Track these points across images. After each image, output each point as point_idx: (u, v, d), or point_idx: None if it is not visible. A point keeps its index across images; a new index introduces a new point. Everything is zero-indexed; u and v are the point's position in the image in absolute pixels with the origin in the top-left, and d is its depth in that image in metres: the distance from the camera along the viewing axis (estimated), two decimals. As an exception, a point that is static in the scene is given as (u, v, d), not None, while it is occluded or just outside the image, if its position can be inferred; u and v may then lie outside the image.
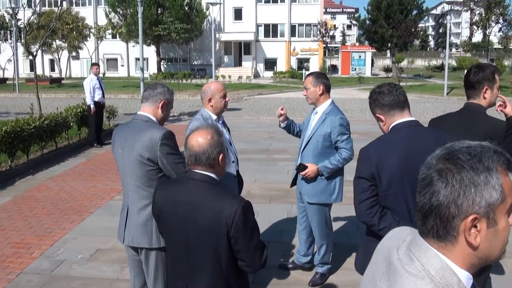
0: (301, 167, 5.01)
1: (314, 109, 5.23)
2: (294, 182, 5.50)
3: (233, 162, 4.80)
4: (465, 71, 4.04)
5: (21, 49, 38.93)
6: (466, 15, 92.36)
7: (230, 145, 4.67)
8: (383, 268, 1.52)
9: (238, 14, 58.93)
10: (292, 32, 59.63)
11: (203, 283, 2.69)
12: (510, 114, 3.68)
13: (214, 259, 2.64)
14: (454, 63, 65.60)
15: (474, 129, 3.53)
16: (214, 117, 4.56)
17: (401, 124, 3.10)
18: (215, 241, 2.61)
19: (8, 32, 40.64)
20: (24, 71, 55.65)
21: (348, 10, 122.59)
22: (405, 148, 2.97)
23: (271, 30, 59.66)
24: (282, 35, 59.71)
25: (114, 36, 55.50)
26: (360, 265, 3.23)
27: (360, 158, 3.13)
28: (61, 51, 54.86)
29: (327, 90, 5.09)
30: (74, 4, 55.42)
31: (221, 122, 4.65)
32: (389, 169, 2.96)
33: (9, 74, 47.29)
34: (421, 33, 78.49)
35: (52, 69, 60.04)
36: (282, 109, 5.45)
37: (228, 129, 4.87)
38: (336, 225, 6.68)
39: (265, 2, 58.86)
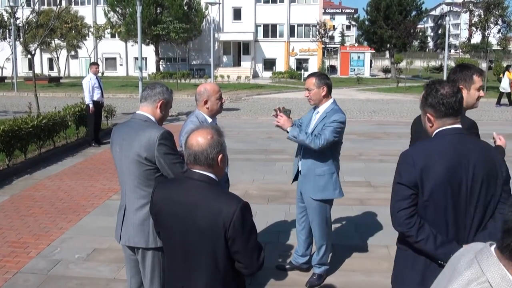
0: (287, 113, 5.02)
1: (315, 108, 5.20)
2: (295, 178, 5.47)
3: None
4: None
5: (19, 47, 38.86)
6: (465, 16, 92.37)
7: None
8: (448, 274, 1.54)
9: (237, 14, 58.91)
10: (291, 33, 59.65)
11: (200, 283, 2.68)
12: (502, 146, 3.73)
13: (211, 259, 2.63)
14: (453, 64, 65.52)
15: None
16: (209, 119, 4.50)
17: (449, 130, 2.91)
18: (213, 242, 2.60)
19: (7, 30, 40.50)
20: (23, 70, 55.62)
21: (347, 10, 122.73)
22: (453, 159, 2.81)
23: (270, 30, 59.68)
24: (281, 35, 59.72)
25: (113, 36, 55.45)
26: (399, 278, 3.11)
27: (402, 162, 2.94)
28: (59, 50, 54.76)
29: (329, 91, 5.08)
30: (73, 3, 55.45)
31: (215, 123, 4.60)
32: (434, 178, 2.79)
33: (7, 72, 47.16)
34: (420, 34, 78.51)
35: (51, 68, 59.97)
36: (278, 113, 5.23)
37: None
38: (334, 226, 6.67)
39: (264, 2, 58.87)
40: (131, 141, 3.65)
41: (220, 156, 2.68)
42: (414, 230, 2.81)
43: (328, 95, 5.07)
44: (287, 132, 4.97)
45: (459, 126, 2.93)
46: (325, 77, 5.12)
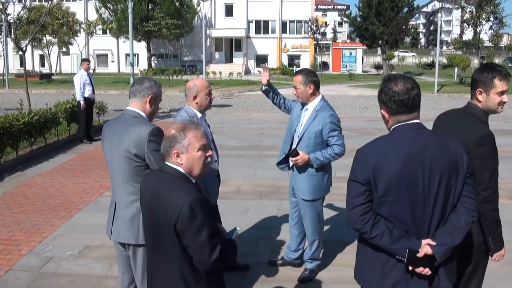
0: (294, 153, 5.01)
1: (304, 105, 5.22)
2: (280, 163, 5.45)
3: (215, 161, 4.79)
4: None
5: (11, 44, 38.60)
6: (457, 13, 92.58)
7: (211, 143, 4.62)
8: None
9: (229, 10, 58.78)
10: (283, 29, 59.61)
11: (166, 273, 2.77)
12: None
13: (174, 249, 2.72)
14: (444, 60, 65.83)
15: (460, 135, 3.33)
16: (199, 114, 4.52)
17: (404, 126, 2.88)
18: (170, 233, 2.67)
19: (-2, 27, 40.32)
20: (14, 66, 55.23)
21: (339, 7, 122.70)
22: (406, 154, 2.78)
23: (262, 27, 59.61)
24: (273, 31, 59.67)
25: (104, 32, 55.21)
26: (360, 273, 3.13)
27: (355, 160, 2.93)
28: (51, 46, 54.47)
29: (317, 88, 5.09)
30: (64, -1, 55.13)
31: (204, 119, 4.61)
32: (388, 175, 2.77)
33: (-2, 69, 46.91)
34: (412, 30, 78.57)
35: (42, 65, 59.61)
36: (265, 68, 5.61)
37: (209, 126, 4.84)
38: (326, 222, 6.68)
39: (256, -2, 58.79)
40: (121, 137, 3.65)
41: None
42: (368, 226, 2.80)
43: (315, 92, 5.09)
44: (311, 166, 5.04)
45: (416, 121, 2.89)
46: (312, 74, 5.13)
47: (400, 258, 2.81)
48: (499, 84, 3.50)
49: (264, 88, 5.68)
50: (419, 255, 2.76)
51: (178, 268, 2.73)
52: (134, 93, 3.81)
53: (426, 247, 2.78)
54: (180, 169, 2.78)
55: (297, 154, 4.98)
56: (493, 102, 3.54)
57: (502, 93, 3.52)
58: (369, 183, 2.81)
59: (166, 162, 2.81)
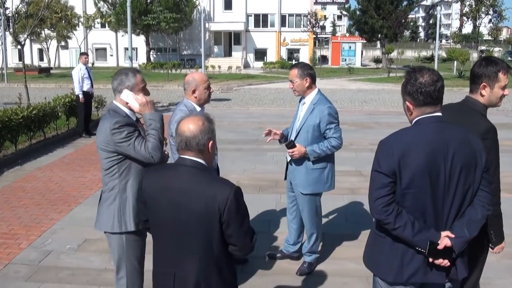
0: (291, 144, 5.01)
1: (301, 99, 5.23)
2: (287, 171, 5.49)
3: (215, 155, 4.79)
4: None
5: (9, 38, 38.53)
6: (456, 6, 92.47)
7: None
8: None
9: (228, 3, 58.67)
10: (282, 22, 59.55)
11: (193, 268, 2.71)
12: None
13: (205, 244, 2.68)
14: (444, 54, 65.85)
15: None
16: (198, 108, 4.51)
17: (427, 119, 2.89)
18: (207, 226, 2.65)
19: (-4, 21, 40.26)
20: (13, 60, 55.16)
21: (339, 0, 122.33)
22: (430, 146, 2.80)
23: (261, 20, 59.54)
24: (272, 25, 59.61)
25: (103, 26, 55.19)
26: (367, 259, 3.19)
27: (380, 151, 2.93)
28: (50, 40, 54.41)
29: (313, 81, 5.09)
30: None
31: (203, 112, 4.58)
32: (412, 167, 2.79)
33: (-3, 63, 46.84)
34: (411, 24, 78.48)
35: (41, 59, 59.55)
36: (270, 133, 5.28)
37: None
38: (324, 215, 6.70)
39: (255, -9, 58.70)
40: (98, 131, 3.74)
41: (210, 143, 2.73)
42: (392, 217, 2.83)
43: (312, 85, 5.09)
44: (308, 159, 5.03)
45: (438, 114, 2.91)
46: (308, 67, 5.13)
47: (420, 249, 2.85)
48: (502, 78, 3.52)
49: (283, 143, 5.29)
50: (439, 247, 2.81)
51: (212, 261, 2.72)
52: (114, 90, 3.82)
53: (445, 239, 2.82)
54: (202, 161, 2.74)
55: (294, 146, 4.99)
56: (496, 96, 3.56)
57: (504, 87, 3.55)
58: (394, 174, 2.83)
59: (186, 156, 2.74)
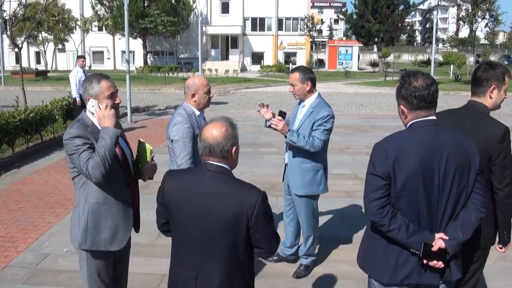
0: (283, 114, 5.05)
1: (300, 102, 5.25)
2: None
3: None
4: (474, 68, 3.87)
5: (6, 41, 38.51)
6: (453, 11, 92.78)
7: None
8: None
9: (225, 7, 58.75)
10: (279, 26, 59.61)
11: (216, 272, 2.73)
12: None
13: (231, 247, 2.71)
14: (440, 58, 65.93)
15: (476, 134, 3.34)
16: (198, 112, 4.50)
17: (422, 122, 2.94)
18: (234, 231, 2.68)
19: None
20: (10, 63, 55.13)
21: (335, 4, 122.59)
22: (424, 149, 2.84)
23: (258, 24, 59.59)
24: (269, 29, 59.67)
25: (100, 29, 55.10)
26: (362, 260, 3.22)
27: (375, 154, 2.97)
28: (47, 43, 54.32)
29: (314, 85, 5.14)
30: (60, -4, 54.94)
31: (202, 117, 4.57)
32: (406, 170, 2.83)
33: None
34: (408, 28, 78.67)
35: (38, 62, 59.48)
36: (264, 105, 5.26)
37: None
38: (321, 218, 6.71)
39: (252, -5, 58.78)
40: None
41: (234, 148, 2.76)
42: (387, 219, 2.86)
43: (312, 89, 5.13)
44: (285, 136, 5.02)
45: (433, 118, 2.95)
46: (309, 71, 5.16)
47: (415, 251, 2.88)
48: (507, 81, 3.61)
49: (268, 124, 5.19)
50: (434, 249, 2.85)
51: (236, 265, 2.74)
52: (82, 96, 3.67)
53: (439, 241, 2.86)
54: (226, 166, 2.77)
55: (283, 117, 5.01)
56: (501, 98, 3.62)
57: (506, 89, 3.63)
58: (389, 177, 2.87)
59: (211, 161, 2.74)
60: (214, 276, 2.73)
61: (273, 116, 5.08)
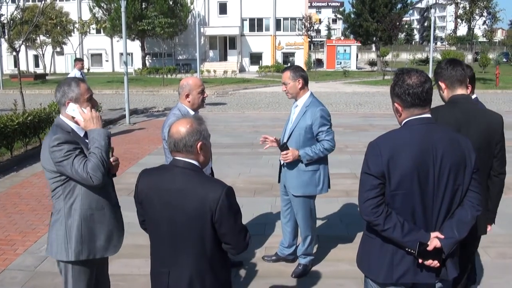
0: (284, 147, 5.04)
1: (294, 102, 5.27)
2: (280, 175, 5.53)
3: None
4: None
5: (4, 44, 38.56)
6: (450, 9, 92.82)
7: None
8: None
9: (223, 8, 58.78)
10: (277, 26, 59.66)
11: (187, 267, 2.78)
12: None
13: (199, 243, 2.75)
14: (439, 56, 65.95)
15: (473, 124, 3.51)
16: (192, 113, 4.53)
17: (416, 120, 2.92)
18: (200, 226, 2.71)
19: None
20: (8, 67, 55.17)
21: (333, 4, 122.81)
22: (419, 147, 2.83)
23: (256, 24, 59.63)
24: (267, 29, 59.70)
25: (98, 31, 55.16)
26: (359, 260, 3.22)
27: (369, 153, 2.95)
28: (45, 46, 54.38)
29: (305, 83, 5.15)
30: (57, -1, 55.00)
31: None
32: (401, 169, 2.81)
33: (-8, 70, 46.78)
34: (406, 26, 78.73)
35: (37, 65, 59.50)
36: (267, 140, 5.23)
37: None
38: (319, 217, 6.71)
39: (249, -4, 58.80)
40: (42, 149, 3.49)
41: (199, 144, 2.78)
42: (381, 219, 2.85)
43: (304, 87, 5.14)
44: (301, 162, 5.06)
45: (427, 115, 2.94)
46: (300, 69, 5.19)
47: (410, 250, 2.87)
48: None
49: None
50: (429, 248, 2.83)
51: (205, 260, 2.77)
52: (58, 101, 3.55)
53: (435, 240, 2.84)
54: (194, 162, 2.80)
55: (287, 148, 5.02)
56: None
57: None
58: (383, 176, 2.85)
59: (178, 158, 2.80)
60: (185, 271, 2.78)
61: (276, 141, 5.15)
